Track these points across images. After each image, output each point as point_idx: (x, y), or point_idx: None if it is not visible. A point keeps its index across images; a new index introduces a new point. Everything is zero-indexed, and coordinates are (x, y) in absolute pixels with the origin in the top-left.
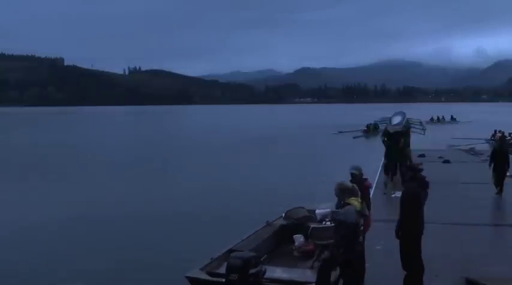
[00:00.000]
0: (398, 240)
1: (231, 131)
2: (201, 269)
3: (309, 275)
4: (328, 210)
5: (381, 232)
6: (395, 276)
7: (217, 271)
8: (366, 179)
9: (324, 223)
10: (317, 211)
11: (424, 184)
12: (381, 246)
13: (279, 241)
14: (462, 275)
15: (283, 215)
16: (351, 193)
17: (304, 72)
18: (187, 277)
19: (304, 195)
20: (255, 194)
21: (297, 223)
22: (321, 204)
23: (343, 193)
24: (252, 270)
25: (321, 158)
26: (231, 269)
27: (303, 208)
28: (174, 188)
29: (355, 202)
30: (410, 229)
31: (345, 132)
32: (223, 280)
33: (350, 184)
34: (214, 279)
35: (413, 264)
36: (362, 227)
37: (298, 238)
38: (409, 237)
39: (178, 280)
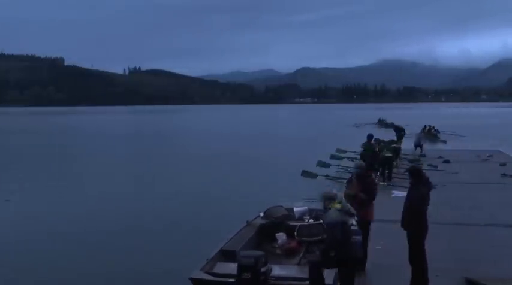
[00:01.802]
0: (398, 240)
1: (222, 133)
2: (201, 270)
3: (305, 271)
4: (305, 208)
5: (381, 231)
6: (395, 275)
7: (216, 271)
8: (370, 174)
9: (306, 220)
10: (295, 209)
11: (429, 185)
12: (380, 246)
13: (260, 240)
14: (462, 275)
15: (262, 214)
16: (331, 199)
17: (304, 72)
18: (191, 279)
19: (279, 194)
20: (230, 194)
21: (277, 221)
22: (296, 202)
23: (324, 201)
24: (263, 269)
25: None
26: (244, 268)
27: (281, 206)
28: (155, 190)
29: (336, 204)
30: (415, 229)
31: None
32: (231, 280)
33: (330, 193)
34: (222, 279)
35: (415, 261)
36: (354, 227)
37: (281, 236)
38: (414, 236)
39: (180, 281)
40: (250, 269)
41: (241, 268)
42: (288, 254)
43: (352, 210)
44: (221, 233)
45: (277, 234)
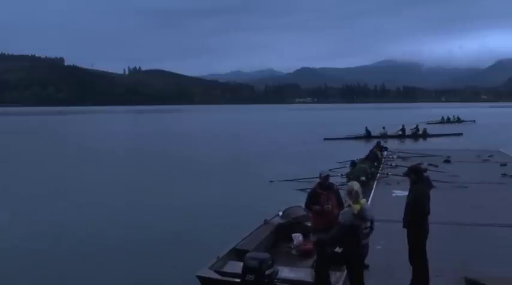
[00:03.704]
0: (398, 241)
1: (227, 132)
2: (210, 268)
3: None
4: None
5: (381, 231)
6: (395, 275)
7: (224, 270)
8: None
9: None
10: None
11: (429, 185)
12: (381, 246)
13: (277, 239)
14: (462, 274)
15: (281, 213)
16: (351, 195)
17: (304, 72)
18: (198, 277)
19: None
20: (250, 192)
21: (295, 221)
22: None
23: (347, 195)
24: (268, 271)
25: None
26: (248, 269)
27: (300, 206)
28: (171, 188)
29: (356, 205)
30: (416, 229)
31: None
32: (237, 280)
33: (353, 188)
34: (228, 279)
35: (415, 261)
36: (367, 231)
37: (297, 237)
38: (415, 237)
39: (188, 279)
40: (254, 271)
41: (245, 269)
42: (303, 255)
43: (370, 216)
44: (239, 231)
45: (293, 234)
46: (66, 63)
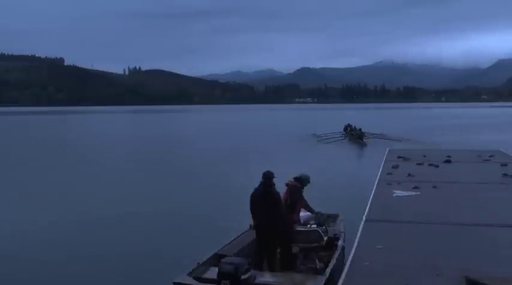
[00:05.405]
0: (398, 241)
1: (222, 135)
2: (189, 275)
3: (297, 279)
4: (310, 214)
5: (381, 231)
6: (396, 275)
7: (204, 276)
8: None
9: (308, 226)
10: (301, 214)
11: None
12: (381, 246)
13: None
14: (462, 274)
15: None
16: None
17: (304, 72)
18: (175, 283)
19: None
20: (236, 197)
21: None
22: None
23: None
24: (244, 276)
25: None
26: (223, 275)
27: None
28: (156, 192)
29: None
30: None
31: None
32: None
33: None
34: None
35: None
36: None
37: None
38: None
39: None
40: (229, 276)
41: (220, 275)
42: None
43: None
44: (223, 237)
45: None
46: (66, 63)
